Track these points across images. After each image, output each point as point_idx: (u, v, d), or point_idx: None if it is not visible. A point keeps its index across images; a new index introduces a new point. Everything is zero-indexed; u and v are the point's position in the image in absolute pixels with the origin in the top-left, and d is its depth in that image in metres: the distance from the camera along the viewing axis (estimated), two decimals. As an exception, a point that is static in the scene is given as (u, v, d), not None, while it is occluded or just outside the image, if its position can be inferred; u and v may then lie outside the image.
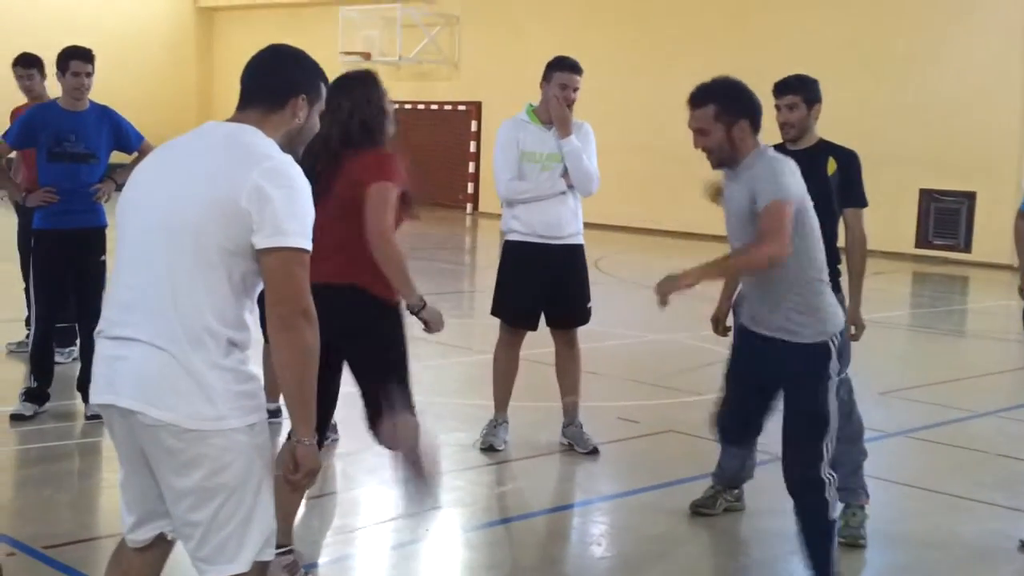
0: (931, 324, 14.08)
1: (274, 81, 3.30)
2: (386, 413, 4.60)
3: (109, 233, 6.80)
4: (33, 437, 6.86)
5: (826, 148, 5.67)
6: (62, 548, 5.07)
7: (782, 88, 5.64)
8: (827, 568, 4.66)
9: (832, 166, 5.61)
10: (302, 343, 3.08)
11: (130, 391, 3.08)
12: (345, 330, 4.52)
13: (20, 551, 5.02)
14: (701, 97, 4.55)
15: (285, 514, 4.63)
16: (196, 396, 3.05)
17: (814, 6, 20.99)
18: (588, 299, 6.95)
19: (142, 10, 30.25)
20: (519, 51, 23.31)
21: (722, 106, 4.51)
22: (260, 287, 3.18)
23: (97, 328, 3.22)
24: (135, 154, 7.31)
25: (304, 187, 3.14)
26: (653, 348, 10.57)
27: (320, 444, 4.62)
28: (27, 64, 8.62)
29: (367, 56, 26.76)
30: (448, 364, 8.82)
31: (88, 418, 7.04)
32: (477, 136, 25.76)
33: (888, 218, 18.28)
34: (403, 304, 4.73)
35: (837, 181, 5.60)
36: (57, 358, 7.69)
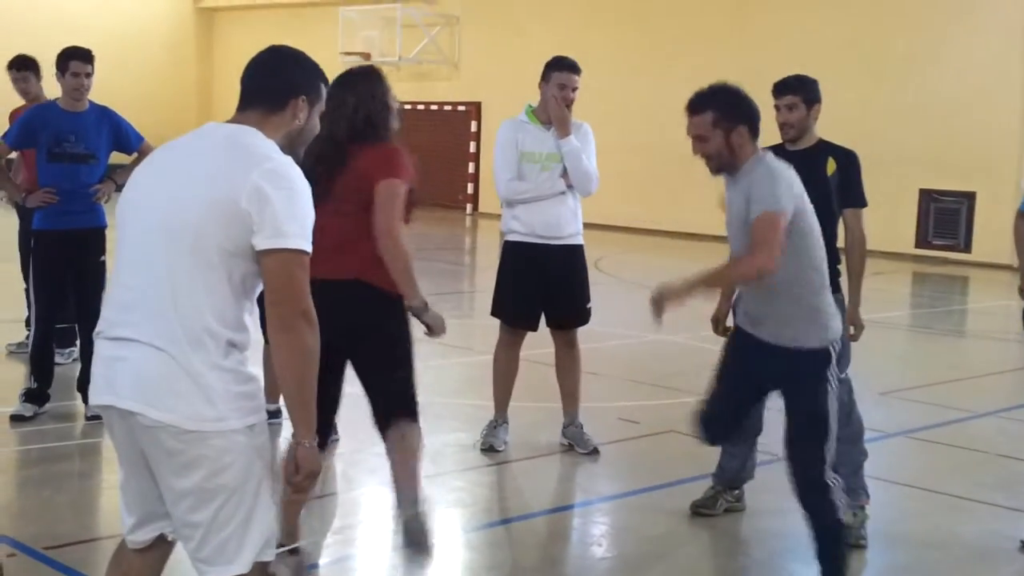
0: (931, 324, 14.08)
1: (274, 82, 3.30)
2: (393, 419, 4.58)
3: (109, 234, 6.80)
4: (33, 438, 6.86)
5: (825, 148, 5.67)
6: (63, 549, 5.07)
7: (781, 88, 5.64)
8: (839, 571, 4.67)
9: (831, 166, 5.61)
10: (302, 344, 3.08)
11: (129, 392, 3.08)
12: (351, 325, 4.51)
13: (21, 552, 5.02)
14: (700, 104, 4.55)
15: (290, 514, 4.62)
16: (196, 397, 3.05)
17: (814, 6, 21.00)
18: (588, 299, 6.95)
19: (142, 10, 30.25)
20: (519, 51, 23.30)
21: (721, 112, 4.51)
22: (260, 288, 3.18)
23: (96, 329, 3.22)
24: (135, 155, 7.31)
25: (304, 189, 3.14)
26: (653, 348, 10.56)
27: (323, 446, 4.61)
28: (21, 67, 8.60)
29: (367, 56, 26.74)
30: (448, 364, 8.81)
31: (88, 419, 7.04)
32: (477, 136, 25.77)
33: (888, 218, 18.29)
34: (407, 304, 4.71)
35: (836, 181, 5.60)
36: (57, 359, 7.69)
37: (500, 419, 6.96)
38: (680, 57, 22.03)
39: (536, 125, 6.77)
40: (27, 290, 7.61)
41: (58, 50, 7.15)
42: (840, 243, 5.63)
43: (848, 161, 5.65)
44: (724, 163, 4.56)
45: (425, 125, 25.32)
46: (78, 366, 7.44)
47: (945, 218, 19.95)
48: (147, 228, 3.14)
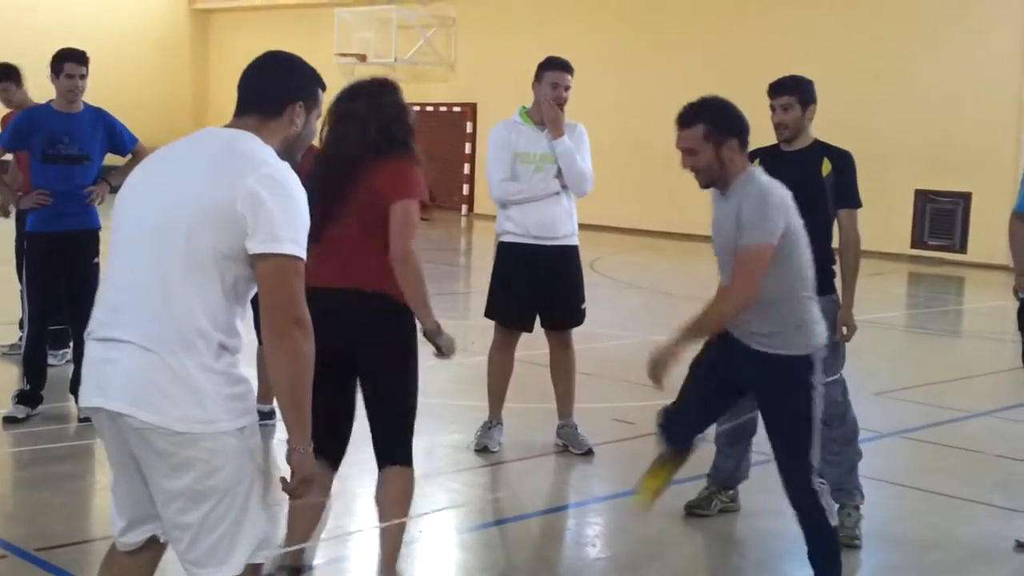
0: (926, 325, 14.09)
1: (271, 88, 3.30)
2: (385, 456, 4.49)
3: (102, 235, 6.79)
4: (26, 439, 6.84)
5: (821, 149, 5.67)
6: (55, 551, 5.06)
7: (777, 88, 5.63)
8: (833, 572, 4.67)
9: (827, 167, 5.61)
10: (296, 351, 3.07)
11: (119, 394, 3.06)
12: (359, 337, 4.40)
13: (12, 554, 5.01)
14: (690, 117, 4.55)
15: (300, 535, 4.52)
16: (186, 399, 3.04)
17: (811, 6, 21.01)
18: (582, 300, 6.94)
19: (136, 11, 30.24)
20: (515, 53, 23.27)
21: (712, 126, 4.51)
22: (252, 292, 3.18)
23: (87, 329, 3.21)
24: (129, 156, 7.30)
25: (300, 196, 3.13)
26: (648, 349, 10.52)
27: (334, 466, 4.56)
28: (0, 77, 8.56)
29: (362, 58, 26.76)
30: (442, 365, 8.75)
31: (81, 421, 7.02)
32: (472, 138, 25.78)
33: (884, 219, 18.28)
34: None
35: (831, 182, 5.60)
36: (50, 360, 7.68)
37: (494, 420, 6.95)
38: (676, 57, 22.04)
39: (530, 126, 6.76)
40: (21, 291, 7.59)
41: (53, 52, 7.13)
42: (834, 244, 5.62)
43: (843, 162, 5.65)
44: (714, 176, 4.56)
45: (421, 126, 25.22)
46: (71, 368, 7.43)
47: (941, 219, 19.96)
48: (141, 229, 3.14)
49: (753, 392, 4.78)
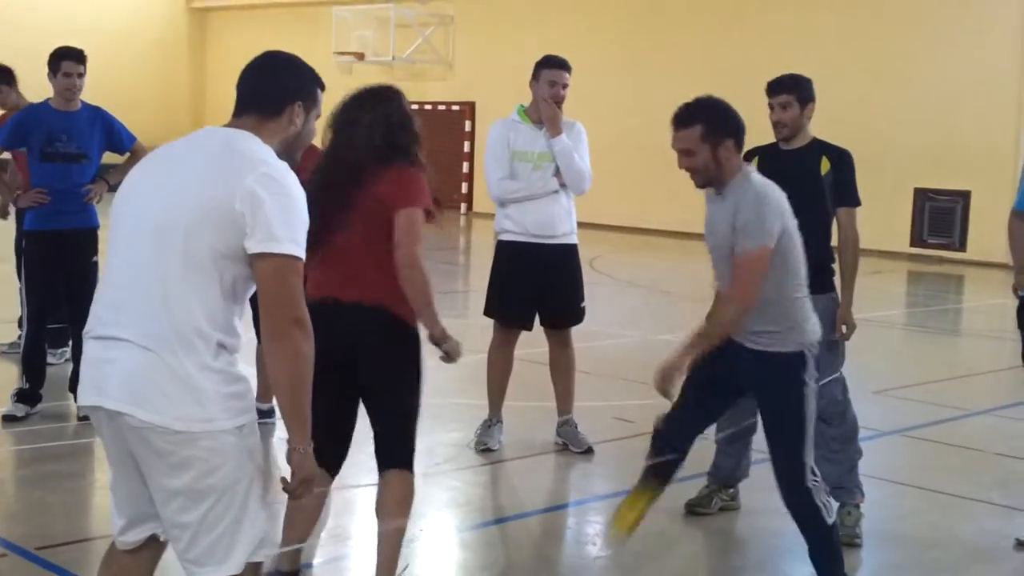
0: (926, 323, 14.09)
1: (270, 88, 3.30)
2: (386, 462, 4.47)
3: (101, 234, 6.78)
4: (25, 438, 6.84)
5: (819, 147, 5.66)
6: (55, 549, 5.06)
7: (776, 87, 5.63)
8: (833, 570, 4.66)
9: (825, 165, 5.61)
10: (295, 351, 3.07)
11: (118, 393, 3.06)
12: (360, 349, 4.38)
13: (12, 552, 5.01)
14: (687, 117, 4.54)
15: (298, 536, 4.50)
16: (184, 398, 3.03)
17: (811, 5, 20.99)
18: (582, 299, 6.94)
19: (135, 10, 30.21)
20: (513, 51, 23.26)
21: (709, 126, 4.51)
22: (251, 291, 3.17)
23: (85, 328, 3.21)
24: (127, 154, 7.29)
25: (299, 195, 3.13)
26: (647, 347, 10.53)
27: (333, 475, 4.54)
28: None
29: (360, 56, 26.75)
30: (443, 364, 8.77)
31: (80, 419, 7.02)
32: (471, 136, 25.77)
33: (883, 217, 18.27)
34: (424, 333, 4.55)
35: (830, 181, 5.60)
36: (49, 359, 7.67)
37: (494, 418, 6.95)
38: (676, 56, 22.03)
39: (528, 124, 6.76)
40: (20, 290, 7.59)
41: (50, 50, 7.12)
42: (833, 242, 5.62)
43: (842, 160, 5.64)
44: (711, 177, 4.56)
45: (421, 128, 25.24)
46: (70, 366, 7.42)
47: (940, 217, 19.95)
48: (140, 228, 3.14)
49: (750, 391, 4.77)
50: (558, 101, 6.68)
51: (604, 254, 17.97)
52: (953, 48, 19.49)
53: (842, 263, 5.66)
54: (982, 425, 8.25)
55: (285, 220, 3.06)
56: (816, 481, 4.62)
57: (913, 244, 20.24)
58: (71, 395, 7.19)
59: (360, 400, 4.50)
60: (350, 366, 4.37)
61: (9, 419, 7.06)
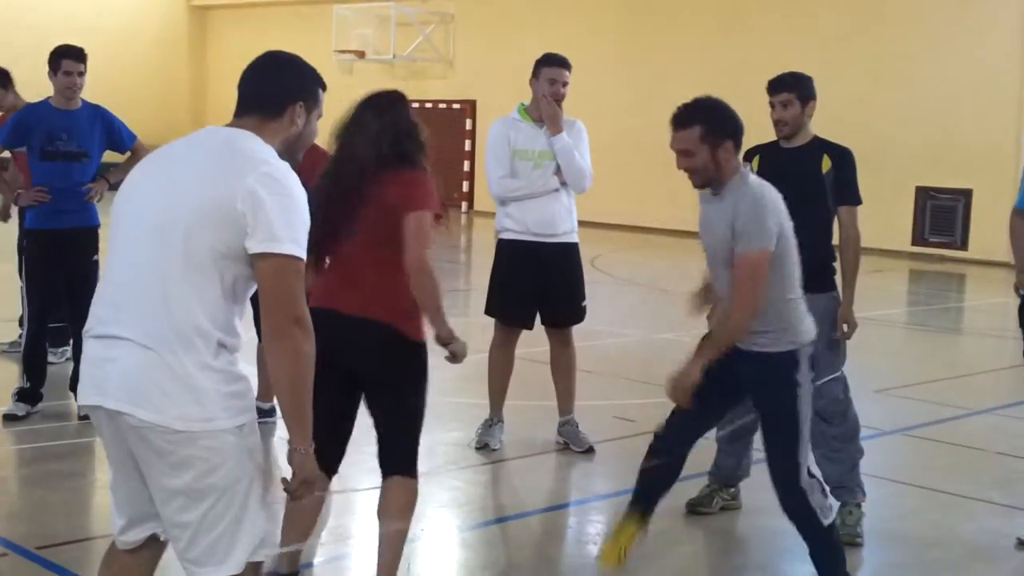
0: (927, 322, 14.08)
1: (272, 88, 3.29)
2: (389, 468, 4.46)
3: (101, 233, 6.77)
4: (26, 437, 6.84)
5: (820, 146, 5.66)
6: (55, 548, 5.05)
7: (776, 85, 5.62)
8: (834, 570, 4.66)
9: (826, 164, 5.60)
10: (296, 351, 3.06)
11: (118, 392, 3.06)
12: (362, 362, 4.38)
13: (13, 552, 5.01)
14: (687, 118, 4.53)
15: (297, 536, 4.50)
16: (185, 397, 3.03)
17: (811, 7, 20.97)
18: (583, 298, 6.93)
19: (135, 9, 30.19)
20: (514, 49, 23.25)
21: (708, 127, 4.50)
22: (252, 291, 3.17)
23: (85, 326, 3.20)
24: (128, 153, 7.29)
25: (300, 195, 3.13)
26: (649, 347, 10.54)
27: (330, 476, 4.53)
28: None
29: (361, 55, 26.74)
30: (444, 363, 8.76)
31: (81, 418, 7.01)
32: (472, 135, 25.75)
33: (885, 216, 18.26)
34: (432, 336, 4.54)
35: (831, 179, 5.59)
36: (50, 358, 7.66)
37: (495, 418, 6.95)
38: (676, 54, 22.01)
39: (528, 123, 6.76)
40: (21, 289, 7.58)
41: (51, 49, 7.12)
42: (835, 240, 5.62)
43: (843, 159, 5.64)
44: (709, 178, 4.56)
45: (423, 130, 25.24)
46: (71, 365, 7.42)
47: (942, 215, 19.93)
48: (140, 227, 3.14)
49: (748, 391, 4.76)
50: (558, 99, 6.67)
51: (605, 253, 17.96)
52: (953, 48, 19.48)
53: (843, 262, 5.66)
54: (983, 424, 8.24)
55: (286, 220, 3.06)
56: (812, 482, 4.61)
57: (914, 243, 20.22)
58: (72, 394, 7.19)
59: (360, 400, 4.50)
60: (351, 370, 4.37)
61: (10, 418, 7.06)
